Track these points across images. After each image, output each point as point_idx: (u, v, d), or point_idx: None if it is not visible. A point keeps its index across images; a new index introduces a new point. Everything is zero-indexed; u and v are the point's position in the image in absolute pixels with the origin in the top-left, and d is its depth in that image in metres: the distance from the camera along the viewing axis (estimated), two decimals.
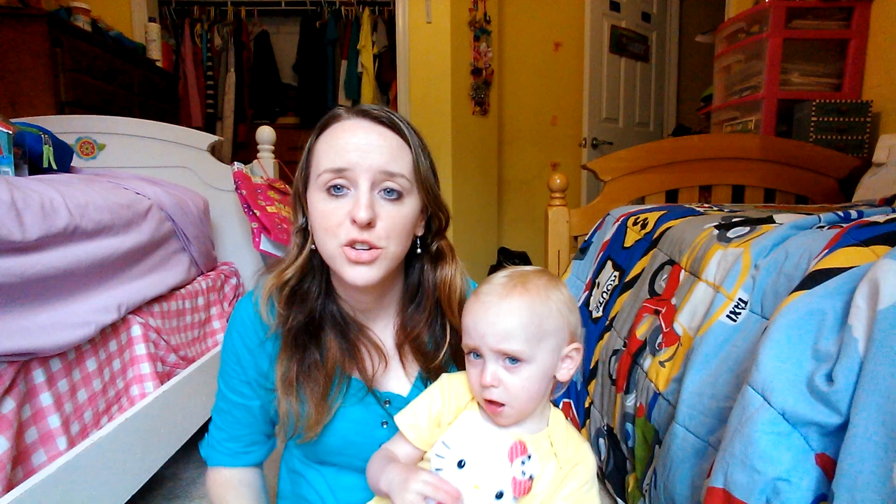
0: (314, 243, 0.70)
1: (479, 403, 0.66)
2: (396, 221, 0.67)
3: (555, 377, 0.65)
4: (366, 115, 0.67)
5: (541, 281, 0.64)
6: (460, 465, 0.61)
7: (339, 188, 0.65)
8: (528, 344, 0.61)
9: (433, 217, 0.75)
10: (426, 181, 0.69)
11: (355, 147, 0.65)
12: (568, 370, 0.65)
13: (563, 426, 0.67)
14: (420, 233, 0.74)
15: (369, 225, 0.64)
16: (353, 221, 0.64)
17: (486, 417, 0.65)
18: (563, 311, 0.64)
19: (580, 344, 0.66)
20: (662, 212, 1.46)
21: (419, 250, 0.75)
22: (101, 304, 1.09)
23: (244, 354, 0.75)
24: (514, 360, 0.61)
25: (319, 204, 0.67)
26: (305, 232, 0.73)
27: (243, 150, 3.97)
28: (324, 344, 0.73)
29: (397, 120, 0.68)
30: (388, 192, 0.66)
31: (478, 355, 0.63)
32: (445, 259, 0.77)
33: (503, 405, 0.61)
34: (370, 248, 0.65)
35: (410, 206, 0.69)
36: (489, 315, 0.61)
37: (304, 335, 0.72)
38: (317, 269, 0.74)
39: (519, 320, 0.61)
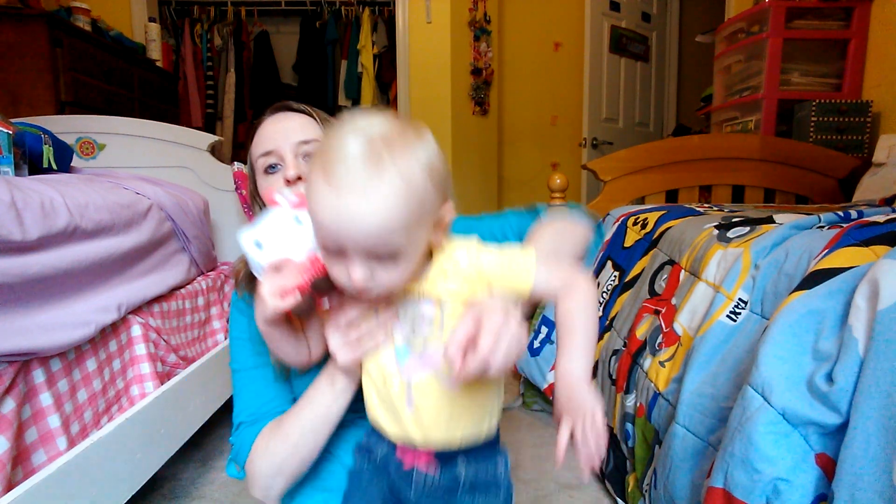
0: None
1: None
2: None
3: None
4: (281, 108, 0.79)
5: (406, 139, 0.50)
6: (258, 245, 0.59)
7: (272, 167, 0.76)
8: (407, 233, 0.49)
9: None
10: None
11: (275, 132, 0.76)
12: (442, 233, 0.56)
13: (451, 256, 0.57)
14: None
15: (300, 178, 0.72)
16: (287, 182, 0.72)
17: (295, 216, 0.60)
18: (435, 167, 0.51)
19: (451, 200, 0.55)
20: (662, 212, 1.46)
21: None
22: (101, 304, 1.09)
23: (252, 335, 0.77)
24: (387, 255, 0.50)
25: (262, 183, 0.77)
26: None
27: (243, 150, 3.95)
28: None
29: (307, 107, 0.79)
30: (308, 157, 0.74)
31: (337, 252, 0.51)
32: None
33: (375, 297, 0.54)
34: None
35: None
36: (354, 207, 0.47)
37: None
38: None
39: (397, 208, 0.47)
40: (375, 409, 0.61)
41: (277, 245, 0.58)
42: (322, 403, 0.67)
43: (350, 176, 0.47)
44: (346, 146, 0.48)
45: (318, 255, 0.57)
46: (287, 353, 0.65)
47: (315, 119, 0.78)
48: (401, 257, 0.51)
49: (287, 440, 0.69)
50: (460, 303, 0.55)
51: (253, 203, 0.82)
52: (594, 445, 0.49)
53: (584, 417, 0.50)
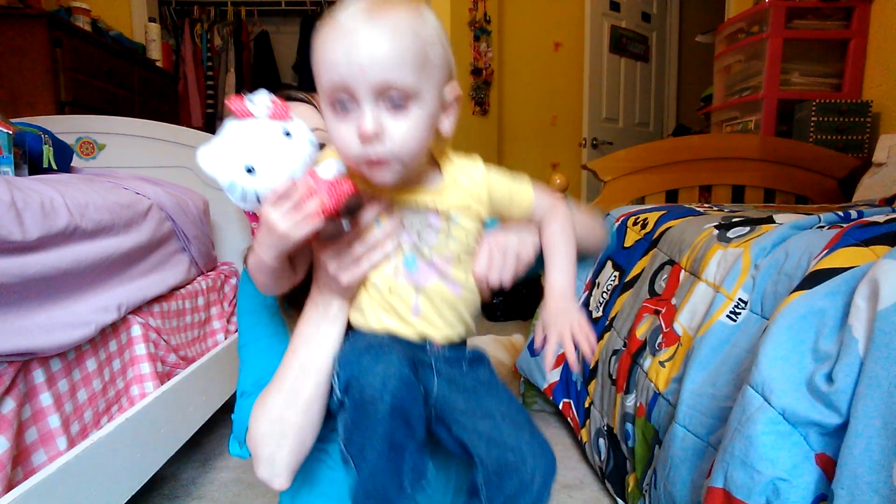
0: None
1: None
2: None
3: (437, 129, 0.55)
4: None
5: (409, 2, 0.51)
6: (249, 170, 0.50)
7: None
8: (416, 74, 0.49)
9: None
10: None
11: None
12: (450, 121, 0.56)
13: (465, 171, 0.60)
14: None
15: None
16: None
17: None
18: (442, 38, 0.52)
19: (459, 87, 0.56)
20: (662, 212, 1.46)
21: None
22: (101, 304, 1.09)
23: (259, 306, 0.74)
24: (398, 100, 0.49)
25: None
26: None
27: None
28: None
29: (307, 96, 0.75)
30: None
31: (344, 105, 0.50)
32: None
33: (388, 161, 0.51)
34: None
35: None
36: (362, 39, 0.47)
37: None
38: None
39: (403, 43, 0.48)
40: (382, 319, 0.59)
41: (275, 166, 0.50)
42: (317, 336, 0.62)
43: (358, 15, 0.48)
44: (350, 2, 0.49)
45: (316, 171, 0.52)
46: (282, 284, 0.60)
47: (315, 107, 0.73)
48: (411, 104, 0.50)
49: (283, 385, 0.61)
50: (467, 216, 0.59)
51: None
52: (585, 341, 0.57)
53: (572, 323, 0.58)
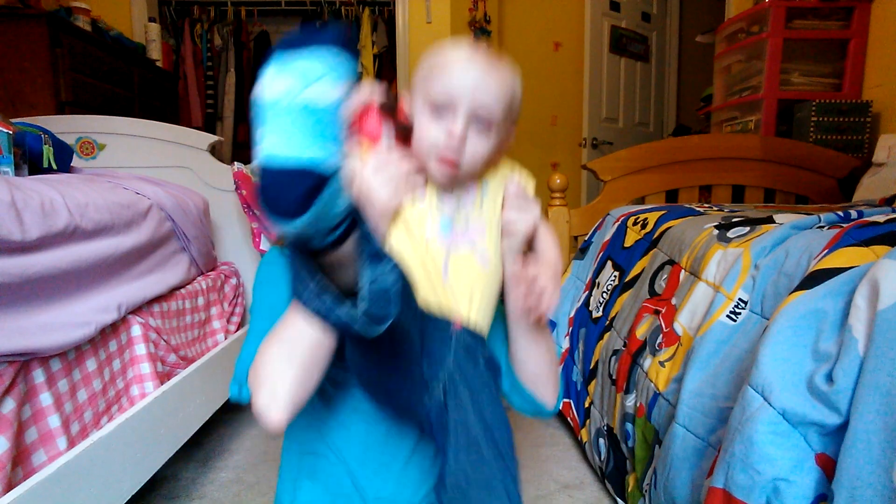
0: None
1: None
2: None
3: None
4: None
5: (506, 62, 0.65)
6: None
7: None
8: (503, 112, 0.62)
9: None
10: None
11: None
12: (502, 153, 0.70)
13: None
14: None
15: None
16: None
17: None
18: (520, 94, 0.66)
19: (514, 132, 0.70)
20: (662, 212, 1.46)
21: None
22: (101, 304, 1.09)
23: (278, 282, 0.68)
24: (483, 124, 0.61)
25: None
26: None
27: (243, 150, 3.96)
28: None
29: None
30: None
31: (441, 111, 0.60)
32: None
33: (457, 165, 0.61)
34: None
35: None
36: (478, 73, 0.60)
37: None
38: None
39: (504, 88, 0.61)
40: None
41: None
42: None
43: (473, 56, 0.60)
44: (460, 43, 0.62)
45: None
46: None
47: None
48: (492, 131, 0.62)
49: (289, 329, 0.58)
50: (497, 189, 0.67)
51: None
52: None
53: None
